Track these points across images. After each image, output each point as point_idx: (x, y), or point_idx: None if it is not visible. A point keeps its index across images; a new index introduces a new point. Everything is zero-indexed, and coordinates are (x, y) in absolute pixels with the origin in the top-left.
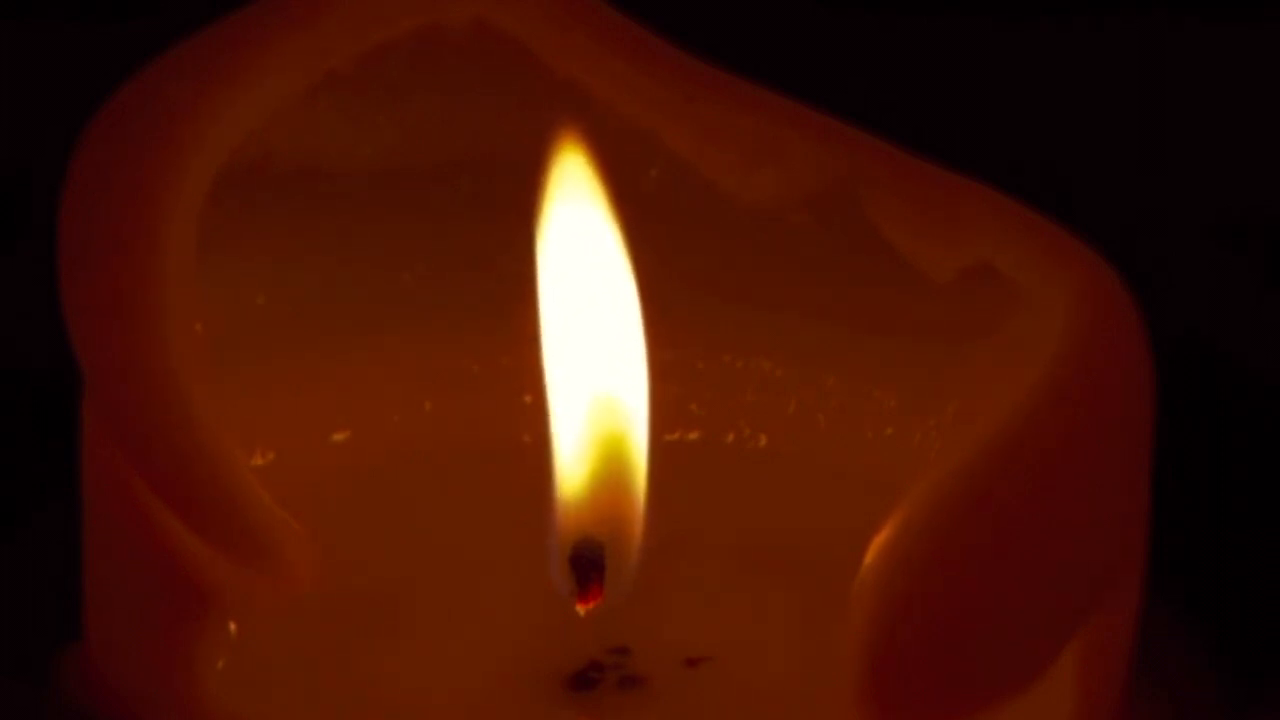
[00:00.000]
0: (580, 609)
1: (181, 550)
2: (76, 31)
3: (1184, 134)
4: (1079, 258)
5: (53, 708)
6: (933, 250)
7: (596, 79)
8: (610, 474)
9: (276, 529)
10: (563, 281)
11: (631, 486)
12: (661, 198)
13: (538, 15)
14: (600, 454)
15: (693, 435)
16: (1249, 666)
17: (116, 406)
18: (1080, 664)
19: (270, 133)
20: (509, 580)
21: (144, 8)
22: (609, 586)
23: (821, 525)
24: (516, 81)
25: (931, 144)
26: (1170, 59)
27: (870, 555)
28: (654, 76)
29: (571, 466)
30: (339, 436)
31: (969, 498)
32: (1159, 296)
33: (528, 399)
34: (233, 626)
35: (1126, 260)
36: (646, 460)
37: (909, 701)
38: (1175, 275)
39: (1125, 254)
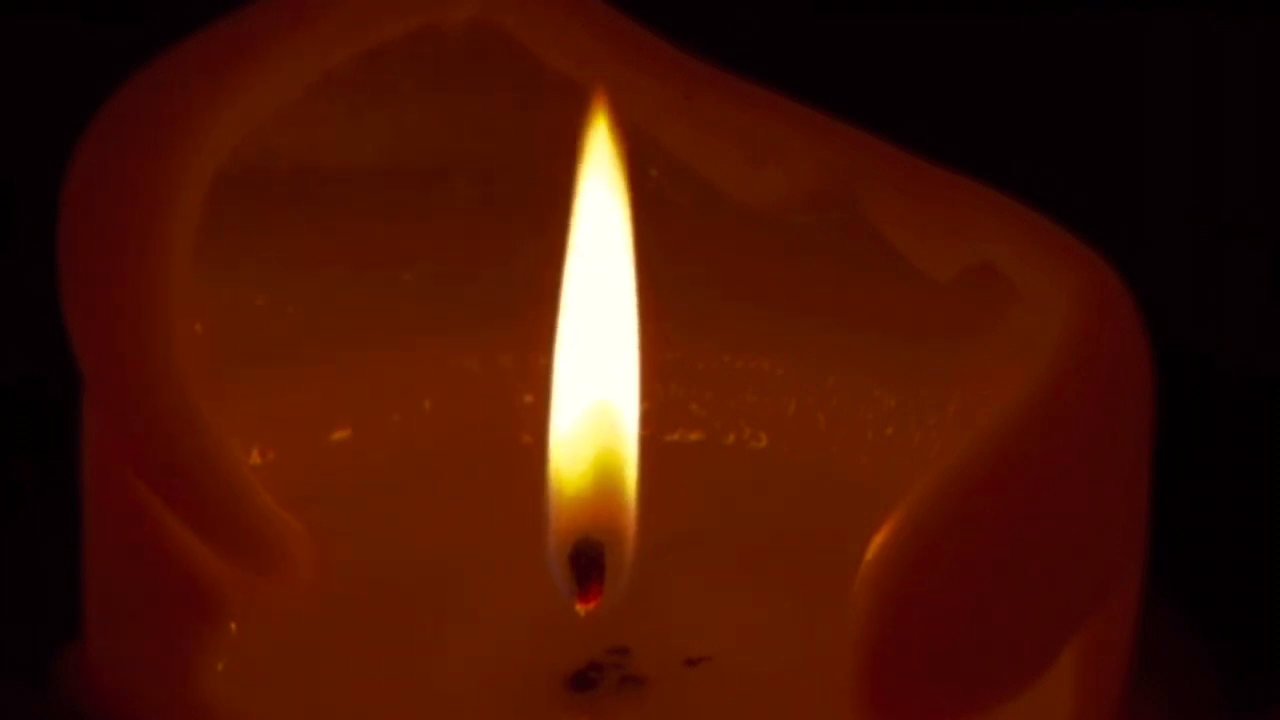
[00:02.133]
0: (580, 609)
1: (182, 550)
2: (75, 31)
3: (1184, 134)
4: (1079, 258)
5: (53, 708)
6: (932, 250)
7: (596, 79)
8: (602, 474)
9: (276, 529)
10: (581, 285)
11: (623, 487)
12: (661, 198)
13: (538, 15)
14: (592, 454)
15: (693, 435)
16: (1249, 666)
17: (116, 406)
18: (1080, 664)
19: (270, 133)
20: (509, 580)
21: (143, 7)
22: (607, 586)
23: (822, 525)
24: (516, 81)
25: (931, 144)
26: (1172, 59)
27: (870, 555)
28: (654, 76)
29: (564, 467)
30: (339, 436)
31: (968, 498)
32: (1159, 296)
33: (528, 399)
34: (233, 627)
35: (1126, 260)
36: (637, 461)
37: (908, 702)
38: (1175, 275)
39: (1125, 254)
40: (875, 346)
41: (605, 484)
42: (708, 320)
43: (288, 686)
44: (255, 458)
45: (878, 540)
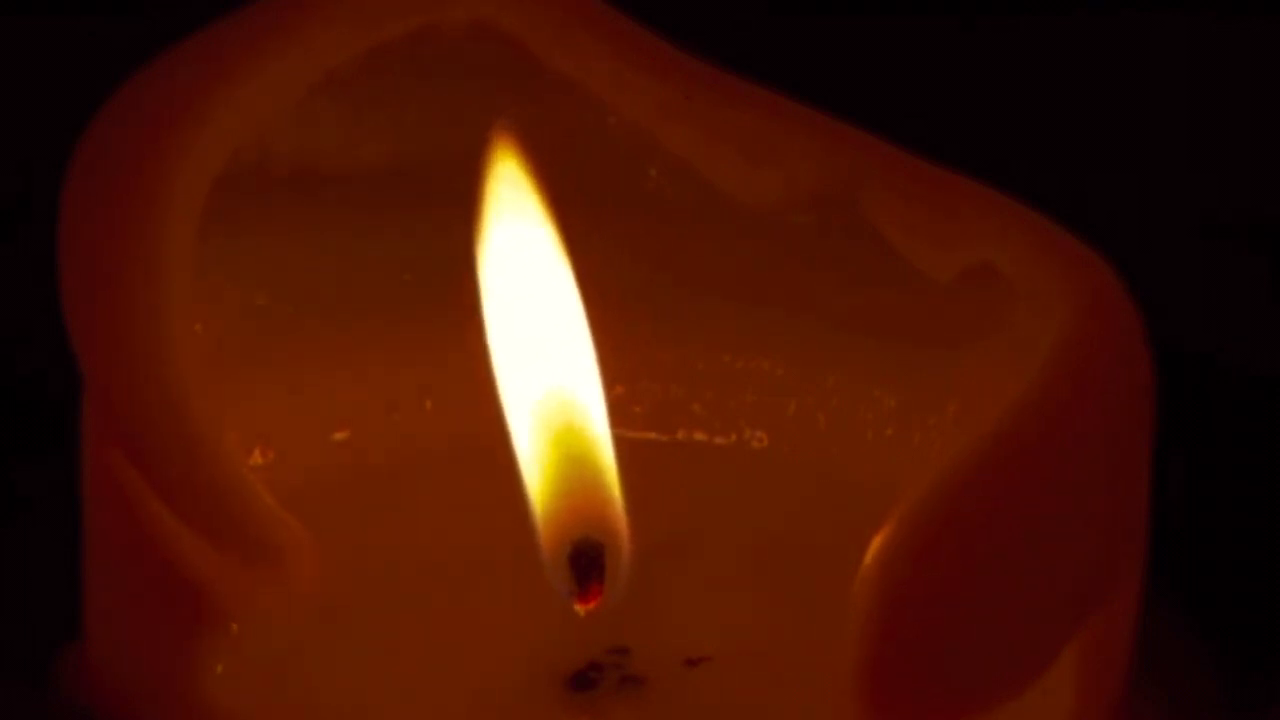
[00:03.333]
0: (580, 609)
1: (182, 551)
2: (76, 30)
3: (1185, 134)
4: (1079, 258)
5: (53, 708)
6: (933, 250)
7: (596, 79)
8: (580, 473)
9: (276, 529)
10: (501, 289)
11: (607, 485)
12: (661, 198)
13: (538, 15)
14: (561, 450)
15: (693, 435)
16: (1249, 666)
17: (116, 406)
18: (1080, 664)
19: (270, 133)
20: (509, 580)
21: (144, 6)
22: (606, 586)
23: (821, 525)
24: (516, 82)
25: (931, 144)
26: (1172, 58)
27: (870, 555)
28: (654, 76)
29: (540, 469)
30: (339, 436)
31: (969, 498)
32: (1159, 296)
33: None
34: (233, 628)
35: (1126, 260)
36: (614, 455)
37: (908, 702)
38: (1175, 275)
39: (1125, 254)
40: (875, 347)
41: (583, 476)
42: (708, 320)
43: (288, 687)
44: (255, 458)
45: (878, 540)
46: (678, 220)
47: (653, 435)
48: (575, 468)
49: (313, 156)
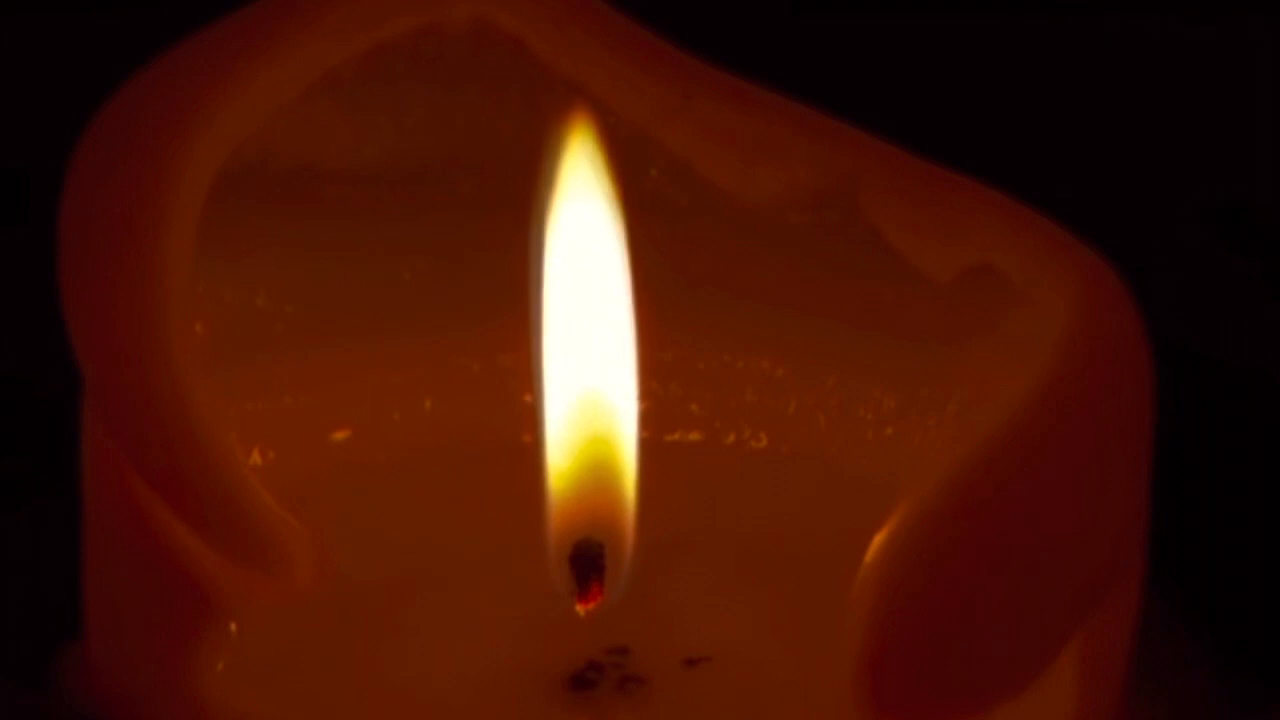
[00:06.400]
0: (580, 609)
1: (181, 550)
2: (75, 30)
3: (1185, 134)
4: (1079, 258)
5: (53, 708)
6: (932, 249)
7: (596, 79)
8: (599, 474)
9: (276, 529)
10: (562, 278)
11: (621, 486)
12: (661, 198)
13: (538, 15)
14: (588, 453)
15: (693, 435)
16: (1249, 666)
17: (116, 406)
18: (1080, 664)
19: (270, 133)
20: (509, 580)
21: (144, 5)
22: (607, 586)
23: (821, 525)
24: (516, 81)
25: (931, 144)
26: (1170, 58)
27: (870, 554)
28: (654, 76)
29: (561, 466)
30: (339, 436)
31: (969, 497)
32: (1158, 296)
33: (528, 399)
34: (233, 626)
35: (1126, 260)
36: (635, 460)
37: (908, 702)
38: (1174, 275)
39: (1125, 254)
40: (875, 346)
41: (600, 478)
42: (708, 320)
43: (288, 686)
44: (255, 458)
45: (878, 540)
46: (677, 220)
47: (652, 435)
48: (594, 471)
49: (313, 157)
